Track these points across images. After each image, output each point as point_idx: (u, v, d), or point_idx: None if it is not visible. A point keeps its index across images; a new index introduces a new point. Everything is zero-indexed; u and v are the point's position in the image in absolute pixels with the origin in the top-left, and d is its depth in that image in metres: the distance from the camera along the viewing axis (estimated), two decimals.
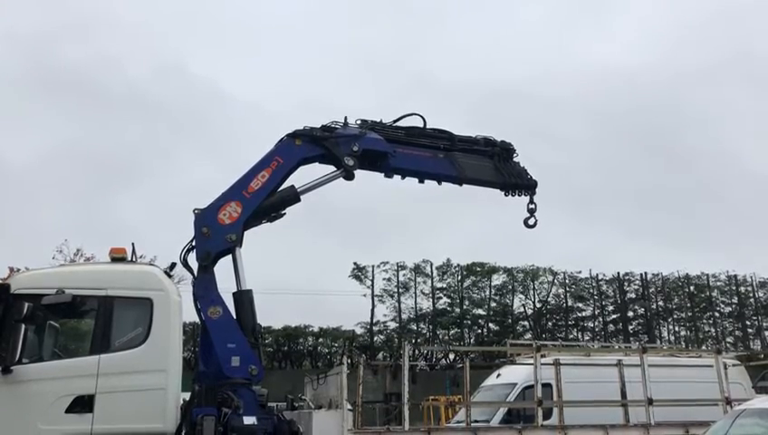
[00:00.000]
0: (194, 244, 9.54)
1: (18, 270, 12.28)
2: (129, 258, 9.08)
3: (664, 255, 70.47)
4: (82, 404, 7.76)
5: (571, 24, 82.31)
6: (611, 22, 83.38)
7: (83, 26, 70.37)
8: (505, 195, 11.65)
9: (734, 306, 52.31)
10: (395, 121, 11.11)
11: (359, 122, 10.84)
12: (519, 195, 11.65)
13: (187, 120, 70.32)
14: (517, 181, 11.52)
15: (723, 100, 75.85)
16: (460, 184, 11.32)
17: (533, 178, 11.69)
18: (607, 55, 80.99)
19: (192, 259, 9.53)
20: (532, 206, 11.56)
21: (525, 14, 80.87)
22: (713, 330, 52.13)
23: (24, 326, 7.99)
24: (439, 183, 11.29)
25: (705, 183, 71.59)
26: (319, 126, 10.52)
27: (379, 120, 10.98)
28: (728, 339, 50.58)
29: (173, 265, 9.40)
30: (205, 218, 9.57)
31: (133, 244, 9.25)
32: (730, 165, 72.82)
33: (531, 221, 11.53)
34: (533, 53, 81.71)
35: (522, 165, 11.75)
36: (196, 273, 9.47)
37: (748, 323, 52.02)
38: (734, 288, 52.27)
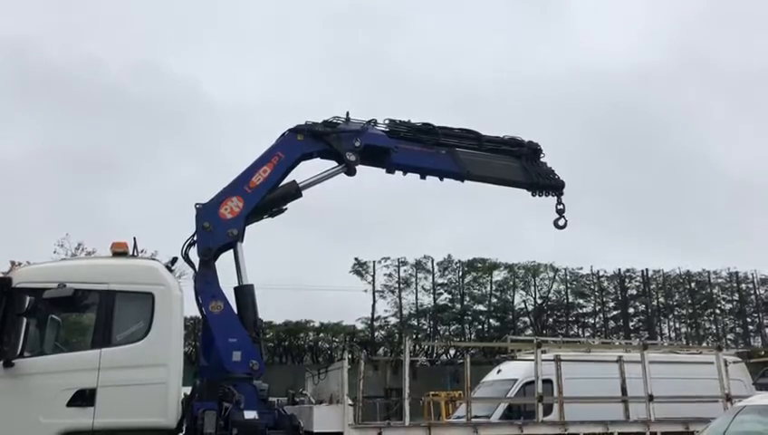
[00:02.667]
0: (195, 238, 9.55)
1: (20, 264, 12.32)
2: (131, 253, 9.09)
3: (664, 251, 70.39)
4: (84, 398, 7.78)
5: (537, 28, 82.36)
6: (577, 25, 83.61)
7: (62, 25, 69.72)
8: (533, 195, 11.63)
9: (734, 303, 52.34)
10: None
11: (386, 121, 10.90)
12: (546, 195, 11.64)
13: (169, 118, 69.79)
14: (544, 181, 11.49)
15: (688, 101, 76.05)
16: (462, 180, 11.30)
17: (561, 178, 11.65)
18: (574, 58, 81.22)
19: (193, 254, 9.54)
20: (561, 206, 11.54)
21: (489, 19, 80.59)
22: (713, 327, 52.12)
23: (25, 320, 7.99)
24: (441, 179, 11.29)
25: (692, 182, 71.67)
26: (321, 121, 10.52)
27: (407, 120, 11.04)
28: (729, 336, 50.60)
29: (174, 260, 9.41)
30: (206, 213, 9.58)
31: (135, 238, 9.25)
32: (705, 165, 72.92)
33: (560, 222, 11.52)
34: (501, 55, 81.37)
35: (549, 165, 11.72)
36: (197, 267, 9.49)
37: (749, 320, 52.05)
38: (735, 285, 52.28)
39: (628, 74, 76.96)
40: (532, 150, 11.60)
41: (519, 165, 11.44)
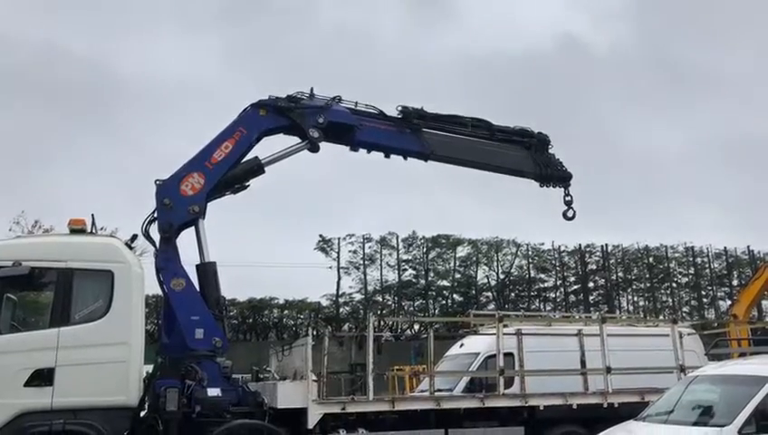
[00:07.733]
0: (156, 215, 9.41)
1: None
2: (89, 230, 8.92)
3: (624, 226, 71.63)
4: (42, 378, 7.67)
5: (431, 18, 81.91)
6: (469, 15, 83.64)
7: None
8: (540, 186, 11.78)
9: (690, 277, 53.70)
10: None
11: (400, 108, 10.93)
12: (554, 186, 11.77)
13: (80, 98, 66.88)
14: (552, 172, 11.63)
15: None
16: (426, 160, 11.33)
17: (568, 170, 11.78)
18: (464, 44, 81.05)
19: (154, 231, 9.42)
20: (569, 198, 11.71)
21: (385, 7, 79.55)
22: (670, 300, 53.44)
23: None
24: (405, 158, 11.30)
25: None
26: (284, 96, 10.40)
27: (420, 107, 11.08)
28: (684, 308, 51.95)
29: (134, 237, 9.28)
30: (167, 189, 9.43)
31: (93, 215, 9.10)
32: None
33: (569, 213, 11.71)
34: (398, 42, 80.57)
35: (557, 157, 11.85)
36: (158, 245, 9.37)
37: (704, 293, 53.46)
38: (690, 259, 53.63)
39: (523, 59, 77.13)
40: (541, 141, 11.74)
41: (528, 155, 11.58)
